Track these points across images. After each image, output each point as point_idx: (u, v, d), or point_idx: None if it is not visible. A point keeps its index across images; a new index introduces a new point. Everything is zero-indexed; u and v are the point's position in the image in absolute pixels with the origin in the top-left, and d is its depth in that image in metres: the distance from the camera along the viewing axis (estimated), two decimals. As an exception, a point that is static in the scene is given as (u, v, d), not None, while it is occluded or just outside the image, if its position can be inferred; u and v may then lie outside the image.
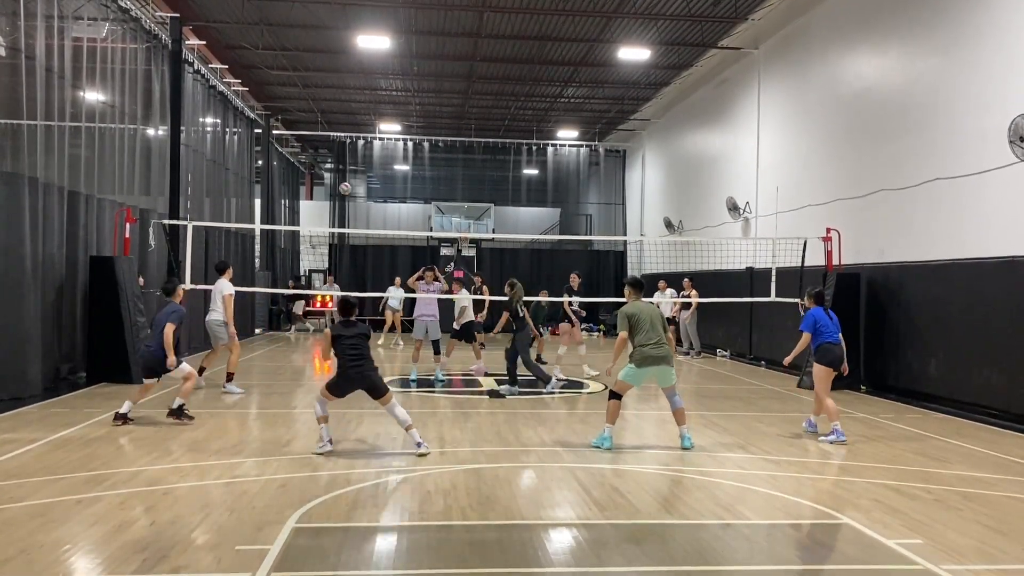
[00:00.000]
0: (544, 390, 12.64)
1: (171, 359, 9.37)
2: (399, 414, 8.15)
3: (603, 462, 7.96)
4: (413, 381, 13.57)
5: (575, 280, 15.21)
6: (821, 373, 9.42)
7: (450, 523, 5.87)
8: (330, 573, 4.89)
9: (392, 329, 21.52)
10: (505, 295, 12.91)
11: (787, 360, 9.88)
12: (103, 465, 7.39)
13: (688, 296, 19.36)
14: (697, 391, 13.78)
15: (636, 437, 9.73)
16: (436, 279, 14.41)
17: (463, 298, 15.06)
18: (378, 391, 8.16)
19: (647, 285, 16.77)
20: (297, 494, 6.51)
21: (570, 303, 14.93)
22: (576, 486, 6.99)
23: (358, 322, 8.45)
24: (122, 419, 9.35)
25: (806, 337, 9.44)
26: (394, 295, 20.91)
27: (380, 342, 20.85)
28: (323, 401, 8.22)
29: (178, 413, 9.56)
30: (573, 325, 14.92)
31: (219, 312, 12.21)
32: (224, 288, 12.29)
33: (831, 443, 8.99)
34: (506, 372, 12.70)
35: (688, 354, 19.49)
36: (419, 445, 8.10)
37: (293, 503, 6.23)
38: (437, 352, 14.03)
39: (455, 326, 15.06)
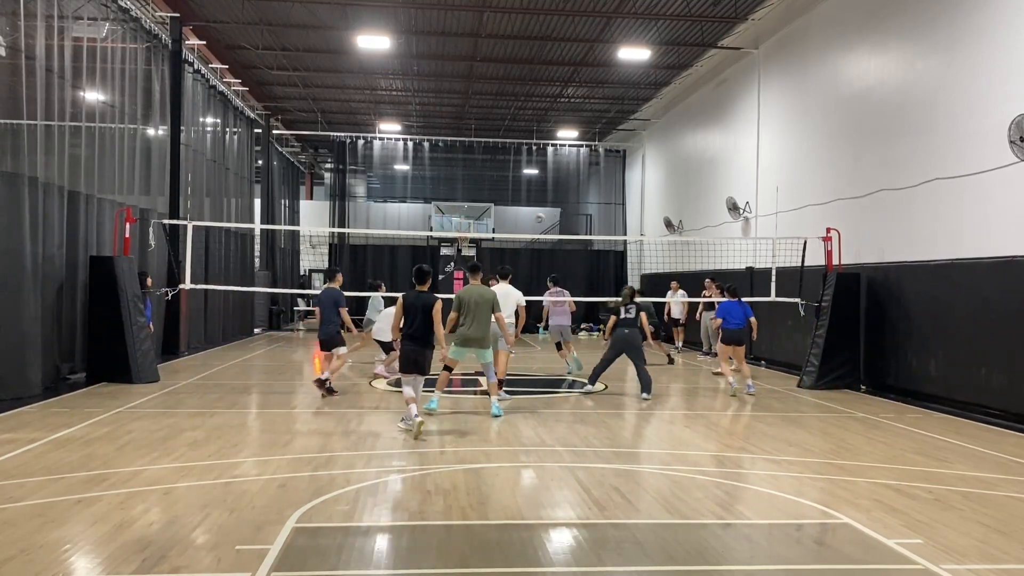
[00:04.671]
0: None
1: (353, 330, 12.54)
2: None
3: (603, 462, 7.96)
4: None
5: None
6: None
7: (450, 523, 5.87)
8: (330, 573, 4.89)
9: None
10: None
11: None
12: (103, 465, 7.39)
13: (711, 296, 19.26)
14: (697, 390, 13.77)
15: (636, 437, 9.74)
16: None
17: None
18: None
19: (649, 285, 16.85)
20: (297, 494, 6.51)
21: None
22: (576, 486, 6.99)
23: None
24: (321, 384, 11.64)
25: None
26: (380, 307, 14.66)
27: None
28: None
29: (323, 384, 11.65)
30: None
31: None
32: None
33: None
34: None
35: (708, 354, 19.44)
36: (403, 420, 9.23)
37: (293, 503, 6.23)
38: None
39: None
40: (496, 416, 10.27)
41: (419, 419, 8.84)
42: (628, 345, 12.23)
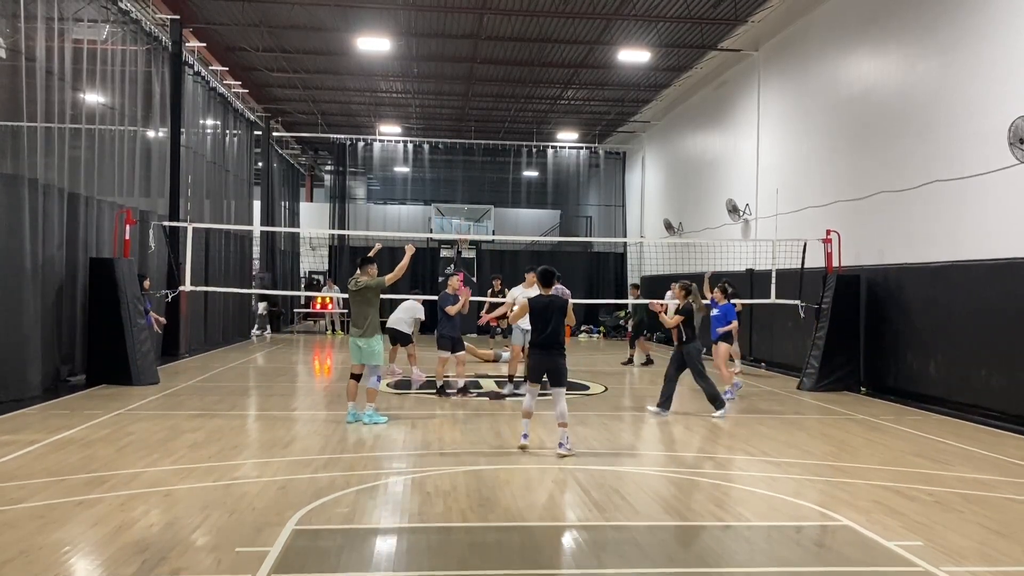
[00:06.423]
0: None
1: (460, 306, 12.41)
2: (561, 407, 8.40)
3: (602, 464, 7.97)
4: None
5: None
6: None
7: (450, 525, 5.87)
8: (330, 575, 4.89)
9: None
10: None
11: None
12: (103, 467, 7.39)
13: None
14: (697, 393, 13.76)
15: (635, 439, 9.74)
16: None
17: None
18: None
19: (649, 287, 16.86)
20: (297, 496, 6.51)
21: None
22: (576, 488, 6.99)
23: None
24: (441, 392, 12.17)
25: None
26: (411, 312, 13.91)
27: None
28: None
29: (442, 390, 12.24)
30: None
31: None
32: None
33: None
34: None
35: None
36: (560, 446, 8.28)
37: (293, 505, 6.23)
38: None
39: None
40: (367, 424, 9.72)
41: (526, 439, 8.45)
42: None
